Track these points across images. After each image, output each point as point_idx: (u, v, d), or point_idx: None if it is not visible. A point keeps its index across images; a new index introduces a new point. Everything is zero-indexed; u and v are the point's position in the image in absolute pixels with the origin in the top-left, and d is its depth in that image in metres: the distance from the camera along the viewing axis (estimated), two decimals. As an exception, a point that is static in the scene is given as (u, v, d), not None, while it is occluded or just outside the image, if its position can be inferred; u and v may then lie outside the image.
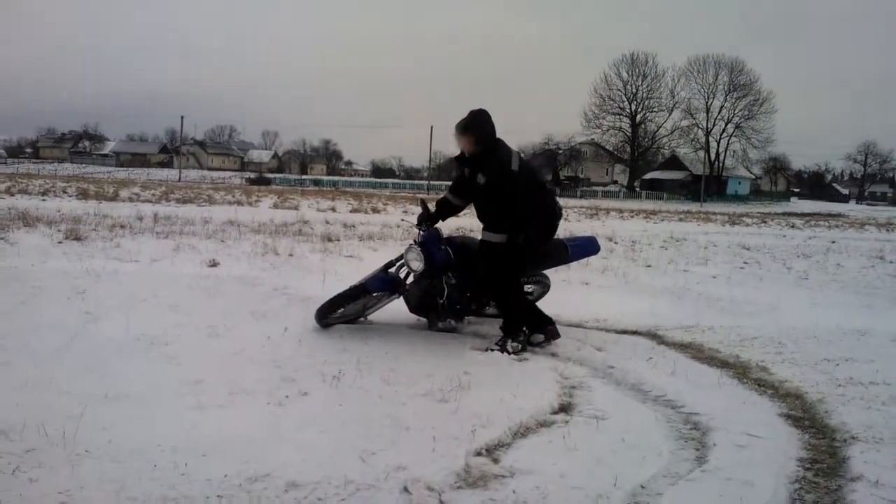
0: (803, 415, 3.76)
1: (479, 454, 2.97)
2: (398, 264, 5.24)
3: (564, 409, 3.65)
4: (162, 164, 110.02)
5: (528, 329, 5.05)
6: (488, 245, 4.92)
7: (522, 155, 5.08)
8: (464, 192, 5.16)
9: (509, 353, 4.77)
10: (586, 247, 5.82)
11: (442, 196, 5.39)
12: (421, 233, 5.21)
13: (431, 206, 5.34)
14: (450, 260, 5.11)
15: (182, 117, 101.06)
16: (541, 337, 5.07)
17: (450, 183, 5.55)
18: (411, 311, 5.32)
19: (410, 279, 5.25)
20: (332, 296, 5.11)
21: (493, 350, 4.80)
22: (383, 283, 5.14)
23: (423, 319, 5.36)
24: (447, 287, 5.12)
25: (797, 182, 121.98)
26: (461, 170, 5.10)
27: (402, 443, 3.03)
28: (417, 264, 5.08)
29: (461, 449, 2.96)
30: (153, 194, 23.88)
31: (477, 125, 4.84)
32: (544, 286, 5.76)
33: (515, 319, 5.00)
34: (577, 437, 3.20)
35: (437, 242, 5.13)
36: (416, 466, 2.76)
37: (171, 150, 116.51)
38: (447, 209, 5.30)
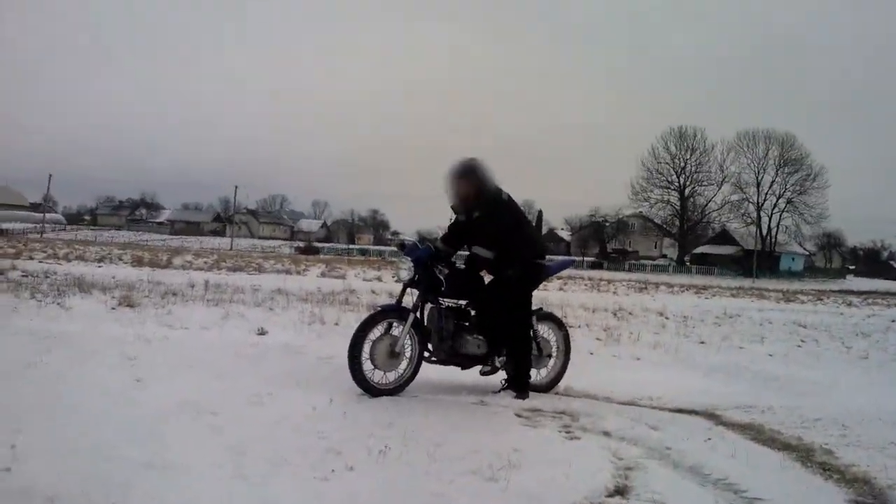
0: (873, 501, 3.55)
1: (529, 538, 2.83)
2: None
3: (620, 491, 3.47)
4: (215, 233, 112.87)
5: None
6: (475, 257, 5.32)
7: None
8: (455, 241, 5.51)
9: (523, 400, 5.22)
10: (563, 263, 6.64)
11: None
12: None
13: None
14: (431, 252, 5.29)
15: (236, 187, 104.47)
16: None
17: None
18: (435, 350, 5.32)
19: (426, 313, 5.37)
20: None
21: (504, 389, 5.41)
22: (396, 307, 5.30)
23: (467, 396, 5.29)
24: (443, 279, 5.26)
25: (852, 259, 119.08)
26: (457, 218, 5.47)
27: (450, 523, 2.90)
28: (405, 272, 5.35)
29: (511, 532, 2.82)
30: (205, 262, 24.37)
31: (474, 170, 5.29)
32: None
33: (525, 364, 5.40)
34: (633, 523, 3.03)
35: (418, 248, 5.36)
36: (463, 549, 2.63)
37: (225, 219, 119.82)
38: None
